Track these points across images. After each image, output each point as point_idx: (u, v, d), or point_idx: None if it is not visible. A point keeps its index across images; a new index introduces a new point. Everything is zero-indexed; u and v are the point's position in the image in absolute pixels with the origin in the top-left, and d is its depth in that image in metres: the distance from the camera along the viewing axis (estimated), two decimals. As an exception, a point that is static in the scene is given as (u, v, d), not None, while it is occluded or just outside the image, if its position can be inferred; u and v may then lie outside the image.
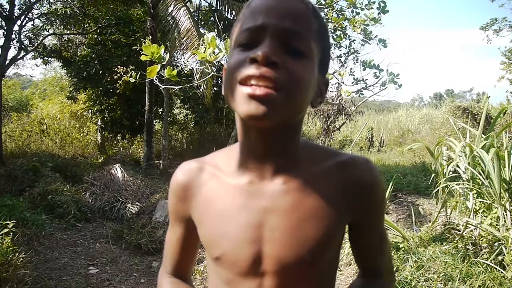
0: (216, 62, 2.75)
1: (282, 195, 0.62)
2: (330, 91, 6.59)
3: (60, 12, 8.54)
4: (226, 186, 0.65)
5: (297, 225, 0.61)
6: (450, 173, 3.44)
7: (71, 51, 10.13)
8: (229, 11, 7.21)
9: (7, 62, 7.36)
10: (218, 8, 7.59)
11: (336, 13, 4.38)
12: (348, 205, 0.63)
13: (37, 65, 19.26)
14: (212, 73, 3.20)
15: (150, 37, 3.94)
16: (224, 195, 0.65)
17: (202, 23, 9.01)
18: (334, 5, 4.28)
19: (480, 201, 3.18)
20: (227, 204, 0.64)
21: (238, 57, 0.56)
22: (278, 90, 0.52)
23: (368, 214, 0.66)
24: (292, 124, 0.61)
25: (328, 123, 9.52)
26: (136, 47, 3.65)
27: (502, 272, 2.48)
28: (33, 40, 9.13)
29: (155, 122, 9.44)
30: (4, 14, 7.19)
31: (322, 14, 4.93)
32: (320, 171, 0.64)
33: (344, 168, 0.64)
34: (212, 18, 8.78)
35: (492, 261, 2.58)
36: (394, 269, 2.63)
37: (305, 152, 0.65)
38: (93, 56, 8.69)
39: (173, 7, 6.50)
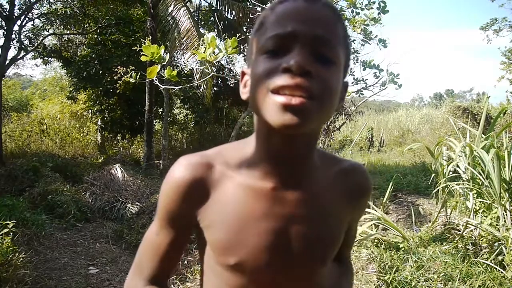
0: (216, 62, 2.75)
1: (305, 202, 0.63)
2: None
3: (60, 12, 8.54)
4: (247, 189, 0.62)
5: (317, 232, 0.63)
6: (450, 173, 3.44)
7: (71, 51, 10.13)
8: (229, 11, 7.21)
9: (7, 62, 7.36)
10: (218, 8, 7.59)
11: (336, 13, 4.37)
12: (349, 208, 0.69)
13: (37, 65, 19.28)
14: (212, 73, 3.20)
15: (150, 37, 3.94)
16: (243, 199, 0.61)
17: (202, 23, 9.02)
18: (334, 5, 4.28)
19: (480, 201, 3.18)
20: (247, 209, 0.61)
21: (267, 65, 0.54)
22: (311, 99, 0.52)
23: (359, 214, 0.77)
24: (315, 131, 0.62)
25: (328, 123, 9.52)
26: (136, 47, 3.65)
27: (502, 272, 2.48)
28: (33, 40, 9.14)
29: (155, 122, 9.44)
30: (4, 14, 7.19)
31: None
32: (331, 178, 0.67)
33: (347, 174, 0.69)
34: (212, 18, 8.79)
35: (492, 261, 2.58)
36: (394, 269, 2.64)
37: (318, 158, 0.67)
38: (93, 56, 8.69)
39: (173, 7, 6.50)
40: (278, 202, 0.61)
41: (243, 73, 0.63)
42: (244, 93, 0.62)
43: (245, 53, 8.63)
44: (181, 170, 0.64)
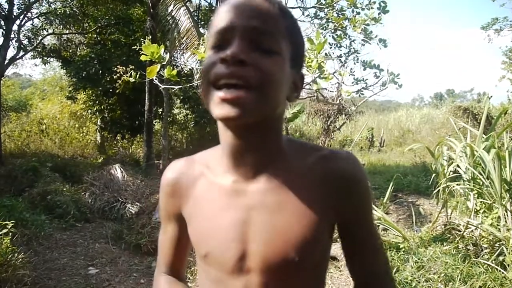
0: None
1: (266, 193, 0.63)
2: (330, 91, 6.59)
3: (59, 11, 8.53)
4: (213, 185, 0.67)
5: (281, 222, 0.61)
6: (451, 173, 3.44)
7: (70, 50, 10.13)
8: (229, 11, 7.20)
9: (6, 61, 7.35)
10: (218, 8, 7.58)
11: (336, 13, 4.37)
12: (332, 201, 0.62)
13: (36, 65, 19.24)
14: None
15: (150, 37, 3.93)
16: (211, 195, 0.66)
17: (202, 23, 9.00)
18: (335, 5, 4.27)
19: (480, 202, 3.17)
20: (213, 203, 0.66)
21: (210, 58, 0.58)
22: (249, 89, 0.54)
23: (354, 210, 0.65)
24: (269, 121, 0.61)
25: (328, 123, 9.52)
26: (136, 47, 3.64)
27: (503, 273, 2.47)
28: (32, 40, 9.13)
29: (155, 122, 9.43)
30: (3, 13, 7.18)
31: (322, 14, 4.92)
32: (303, 167, 0.64)
33: (325, 162, 0.64)
34: (212, 18, 8.77)
35: (493, 261, 2.57)
36: (395, 269, 2.64)
37: (288, 149, 0.66)
38: (93, 56, 8.68)
39: (173, 7, 6.49)
40: (238, 194, 0.64)
41: None
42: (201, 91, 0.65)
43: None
44: (168, 172, 0.73)
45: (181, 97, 10.05)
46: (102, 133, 9.63)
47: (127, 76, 3.37)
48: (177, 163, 0.73)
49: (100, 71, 8.29)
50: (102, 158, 7.92)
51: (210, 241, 0.65)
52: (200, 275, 0.71)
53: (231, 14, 0.57)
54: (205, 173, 0.69)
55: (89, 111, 9.42)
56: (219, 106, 0.55)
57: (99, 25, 9.06)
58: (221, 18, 0.58)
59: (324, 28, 4.66)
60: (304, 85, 0.71)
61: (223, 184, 0.65)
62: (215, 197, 0.66)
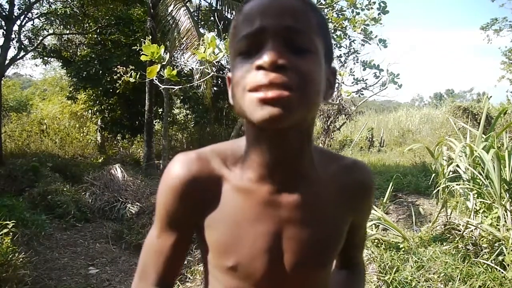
0: (216, 62, 2.75)
1: (299, 203, 0.61)
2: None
3: (59, 12, 8.54)
4: (244, 192, 0.61)
5: (314, 234, 0.62)
6: (451, 173, 3.44)
7: (71, 51, 10.13)
8: (229, 11, 7.21)
9: (7, 62, 7.36)
10: (218, 8, 7.59)
11: (336, 13, 4.37)
12: (350, 207, 0.66)
13: (36, 65, 19.28)
14: (212, 73, 3.19)
15: (150, 37, 3.93)
16: (240, 202, 0.61)
17: (202, 23, 9.01)
18: (334, 5, 4.28)
19: (480, 201, 3.18)
20: (244, 212, 0.60)
21: (242, 65, 0.54)
22: (290, 91, 0.50)
23: (363, 214, 0.72)
24: (305, 125, 0.58)
25: (328, 123, 9.52)
26: (136, 47, 3.64)
27: (502, 273, 2.47)
28: (32, 40, 9.14)
29: (155, 122, 9.43)
30: (4, 14, 7.19)
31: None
32: (328, 176, 0.65)
33: (348, 172, 0.67)
34: (212, 18, 8.78)
35: (493, 261, 2.58)
36: (394, 269, 2.64)
37: (315, 156, 0.64)
38: (93, 56, 8.69)
39: (173, 7, 6.49)
40: (273, 205, 0.60)
41: (229, 79, 0.61)
42: (230, 98, 0.61)
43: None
44: (178, 168, 0.62)
45: (181, 97, 10.06)
46: (103, 133, 9.64)
47: (127, 76, 3.37)
48: (187, 159, 0.62)
49: (101, 71, 8.29)
50: (102, 158, 7.93)
51: (240, 251, 0.60)
52: (212, 282, 0.66)
53: (259, 14, 0.53)
54: (225, 175, 0.62)
55: (90, 111, 9.43)
56: (259, 108, 0.50)
57: (100, 25, 9.07)
58: (247, 20, 0.54)
59: (324, 28, 4.66)
60: None
61: (256, 193, 0.60)
62: (246, 205, 0.61)
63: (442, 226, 3.36)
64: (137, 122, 9.20)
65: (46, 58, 9.99)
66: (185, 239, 0.65)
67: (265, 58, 0.50)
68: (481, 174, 3.06)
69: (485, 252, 2.74)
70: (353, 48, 5.27)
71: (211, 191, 0.61)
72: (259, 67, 0.51)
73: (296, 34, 0.53)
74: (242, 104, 0.54)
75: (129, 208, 5.01)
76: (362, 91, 5.00)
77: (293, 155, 0.59)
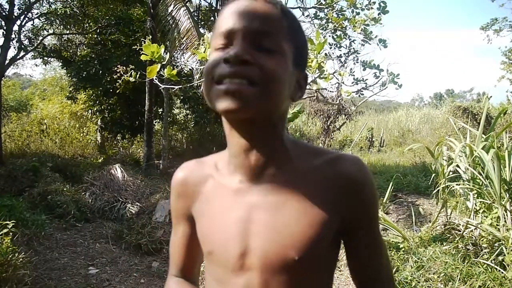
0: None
1: (269, 192, 0.64)
2: (330, 91, 6.59)
3: (59, 12, 8.53)
4: (221, 186, 0.68)
5: (282, 221, 0.62)
6: (451, 173, 3.44)
7: (71, 51, 10.12)
8: (229, 11, 7.20)
9: (7, 62, 7.35)
10: (218, 8, 7.58)
11: (336, 13, 4.38)
12: (337, 203, 0.62)
13: (36, 65, 19.28)
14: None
15: (150, 37, 3.94)
16: (219, 194, 0.68)
17: (202, 23, 9.01)
18: (334, 5, 4.28)
19: (480, 201, 3.18)
20: (220, 203, 0.67)
21: (213, 59, 0.59)
22: (252, 85, 0.55)
23: (358, 213, 0.64)
24: (272, 119, 0.63)
25: (328, 123, 9.53)
26: (136, 47, 3.64)
27: (502, 273, 2.47)
28: (32, 40, 9.13)
29: (155, 122, 9.43)
30: (4, 14, 7.18)
31: (322, 14, 4.93)
32: (308, 169, 0.64)
33: (331, 164, 0.64)
34: (212, 18, 8.78)
35: (493, 261, 2.58)
36: (394, 269, 2.64)
37: (294, 150, 0.66)
38: (93, 56, 8.68)
39: (173, 7, 6.49)
40: (242, 193, 0.65)
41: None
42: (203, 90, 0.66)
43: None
44: (178, 173, 0.75)
45: (181, 97, 10.05)
46: (103, 133, 9.63)
47: (127, 76, 3.37)
48: (187, 164, 0.75)
49: (101, 71, 8.29)
50: (102, 158, 7.92)
51: (214, 239, 0.66)
52: (206, 273, 0.72)
53: (233, 16, 0.59)
54: (213, 174, 0.70)
55: (90, 111, 9.42)
56: (221, 99, 0.56)
57: (100, 25, 9.06)
58: (224, 20, 0.60)
59: (324, 29, 4.67)
60: None
61: (229, 185, 0.67)
62: (222, 196, 0.68)
63: (442, 226, 3.36)
64: (137, 122, 9.19)
65: (46, 58, 9.98)
66: (191, 232, 0.74)
67: (231, 52, 0.56)
68: (481, 174, 3.06)
69: (485, 252, 2.74)
70: (353, 48, 5.27)
71: (200, 189, 0.71)
72: (226, 60, 0.56)
73: (263, 36, 0.58)
74: (209, 94, 0.59)
75: (129, 208, 5.01)
76: (362, 91, 5.00)
77: (260, 146, 0.63)
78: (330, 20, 4.33)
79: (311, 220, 0.61)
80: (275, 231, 0.61)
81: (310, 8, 4.83)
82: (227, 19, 0.60)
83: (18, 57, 8.30)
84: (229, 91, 0.55)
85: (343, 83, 4.57)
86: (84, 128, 10.05)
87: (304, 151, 0.67)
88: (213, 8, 8.18)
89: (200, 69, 4.62)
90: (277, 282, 0.62)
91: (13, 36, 7.56)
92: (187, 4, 7.11)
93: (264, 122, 0.62)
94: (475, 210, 3.16)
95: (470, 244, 2.89)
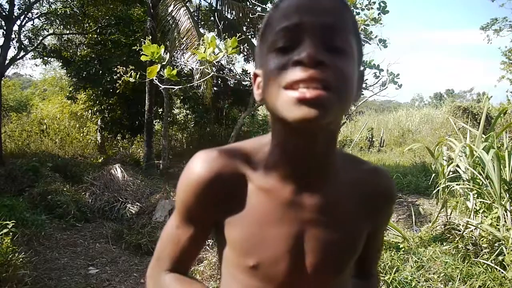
0: (216, 62, 2.75)
1: (323, 207, 0.61)
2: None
3: (59, 12, 8.53)
4: (265, 191, 0.61)
5: (334, 237, 0.62)
6: (451, 173, 3.44)
7: (71, 51, 10.12)
8: (229, 11, 7.21)
9: (7, 62, 7.36)
10: (218, 8, 7.59)
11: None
12: (370, 214, 0.65)
13: (36, 65, 19.29)
14: (212, 73, 3.19)
15: (150, 37, 3.93)
16: (263, 202, 0.60)
17: (202, 23, 9.02)
18: None
19: (480, 201, 3.18)
20: (266, 212, 0.60)
21: (277, 61, 0.52)
22: (328, 90, 0.50)
23: (382, 222, 0.70)
24: (334, 126, 0.58)
25: (328, 123, 9.50)
26: (136, 47, 3.64)
27: (502, 273, 2.48)
28: (32, 40, 9.13)
29: (155, 122, 9.43)
30: (4, 14, 7.18)
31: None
32: (350, 181, 0.64)
33: (371, 178, 0.66)
34: (212, 18, 8.78)
35: (493, 261, 2.58)
36: (394, 269, 2.64)
37: (339, 158, 0.64)
38: (93, 56, 8.68)
39: (173, 7, 6.49)
40: (296, 206, 0.60)
41: (255, 75, 0.61)
42: (258, 95, 0.60)
43: (245, 53, 8.65)
44: (199, 166, 0.61)
45: (181, 97, 10.05)
46: (103, 133, 9.63)
47: (127, 76, 3.37)
48: (209, 156, 0.62)
49: (101, 71, 8.29)
50: (102, 158, 7.92)
51: (263, 251, 0.59)
52: (229, 284, 0.65)
53: (297, 10, 0.52)
54: (248, 174, 0.61)
55: (90, 111, 9.42)
56: (295, 107, 0.49)
57: (100, 25, 9.07)
58: (284, 16, 0.53)
59: (324, 28, 4.66)
60: None
61: (280, 193, 0.60)
62: (269, 206, 0.60)
63: (442, 226, 3.36)
64: (137, 122, 9.19)
65: (46, 58, 9.98)
66: (203, 235, 0.66)
67: (305, 54, 0.49)
68: (481, 174, 3.06)
69: (485, 252, 2.74)
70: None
71: (233, 190, 0.61)
72: (298, 63, 0.50)
73: (334, 33, 0.52)
74: (276, 101, 0.53)
75: (129, 208, 5.01)
76: (362, 91, 5.00)
77: (320, 155, 0.58)
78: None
79: (357, 236, 0.64)
80: (329, 249, 0.61)
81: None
82: (290, 13, 0.52)
83: (18, 57, 8.31)
84: (306, 98, 0.49)
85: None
86: (84, 128, 10.05)
87: (345, 160, 0.65)
88: (213, 8, 8.18)
89: (200, 69, 4.61)
90: None
91: (13, 36, 7.56)
92: (187, 4, 7.11)
93: (330, 130, 0.57)
94: (475, 210, 3.16)
95: (470, 244, 2.89)
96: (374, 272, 0.78)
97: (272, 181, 0.60)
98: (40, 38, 9.17)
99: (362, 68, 0.62)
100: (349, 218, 0.63)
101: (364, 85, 4.92)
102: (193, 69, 6.49)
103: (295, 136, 0.56)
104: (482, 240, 2.86)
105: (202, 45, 2.70)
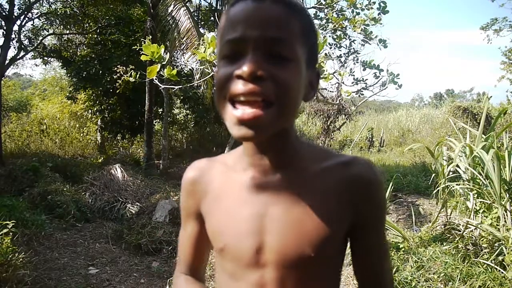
0: (216, 62, 2.75)
1: (284, 189, 0.64)
2: (330, 91, 6.59)
3: (59, 12, 8.53)
4: (232, 181, 0.68)
5: (297, 218, 0.62)
6: (450, 173, 3.44)
7: (71, 51, 10.12)
8: (229, 11, 7.20)
9: (7, 62, 7.36)
10: (218, 8, 7.58)
11: (336, 13, 4.38)
12: (349, 203, 0.63)
13: (36, 65, 19.29)
14: (212, 73, 3.20)
15: (150, 37, 3.94)
16: (230, 190, 0.68)
17: (202, 23, 9.01)
18: (334, 5, 4.28)
19: (480, 201, 3.18)
20: (232, 198, 0.67)
21: (224, 70, 0.56)
22: (267, 106, 0.53)
23: (368, 213, 0.65)
24: (280, 129, 0.61)
25: (328, 123, 9.52)
26: (136, 47, 3.65)
27: (502, 273, 2.47)
28: (32, 40, 9.13)
29: (155, 122, 9.43)
30: (4, 14, 7.18)
31: (322, 14, 4.93)
32: (321, 169, 0.65)
33: (345, 166, 0.65)
34: (212, 18, 8.78)
35: (493, 261, 2.58)
36: (394, 269, 2.64)
37: (308, 151, 0.67)
38: (93, 56, 8.68)
39: (173, 7, 6.49)
40: (256, 189, 0.65)
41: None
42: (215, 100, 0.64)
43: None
44: (189, 171, 0.75)
45: (181, 97, 10.05)
46: (103, 133, 9.63)
47: (127, 76, 3.37)
48: (198, 163, 0.75)
49: (101, 71, 8.29)
50: (102, 158, 7.92)
51: (227, 234, 0.66)
52: (217, 269, 0.72)
53: (242, 22, 0.54)
54: (224, 171, 0.70)
55: (90, 111, 9.42)
56: (236, 127, 0.55)
57: (100, 25, 9.07)
58: (231, 26, 0.56)
59: (324, 29, 4.67)
60: None
61: (242, 180, 0.66)
62: (233, 192, 0.67)
63: (442, 226, 3.36)
64: (137, 122, 9.19)
65: (46, 58, 9.98)
66: (200, 229, 0.74)
67: (244, 68, 0.52)
68: (481, 174, 3.06)
69: (485, 252, 2.74)
70: (353, 48, 5.27)
71: (210, 187, 0.71)
72: (239, 77, 0.53)
73: (277, 44, 0.54)
74: (223, 113, 0.58)
75: (129, 208, 5.02)
76: (362, 91, 5.01)
77: (274, 149, 0.64)
78: (330, 20, 4.33)
79: (326, 219, 0.62)
80: (291, 228, 0.62)
81: (310, 8, 4.83)
82: (236, 24, 0.55)
83: (18, 57, 8.31)
84: (244, 119, 0.53)
85: (343, 83, 4.58)
86: (84, 128, 10.05)
87: (319, 153, 0.68)
88: (213, 8, 8.18)
89: (200, 69, 4.62)
90: (292, 278, 0.63)
91: (13, 36, 7.56)
92: (187, 4, 7.11)
93: (278, 133, 0.60)
94: (475, 210, 3.16)
95: (470, 244, 2.89)
96: (386, 283, 0.70)
97: (238, 170, 0.68)
98: (40, 38, 9.17)
99: (316, 68, 0.65)
100: (319, 204, 0.63)
101: (364, 85, 4.95)
102: (193, 69, 6.49)
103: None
104: (482, 240, 2.86)
105: (202, 45, 2.71)
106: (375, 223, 0.67)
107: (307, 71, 0.60)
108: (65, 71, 10.39)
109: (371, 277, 0.69)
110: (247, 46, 0.54)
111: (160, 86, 3.50)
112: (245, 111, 0.53)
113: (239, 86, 0.53)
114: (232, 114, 0.55)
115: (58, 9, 8.61)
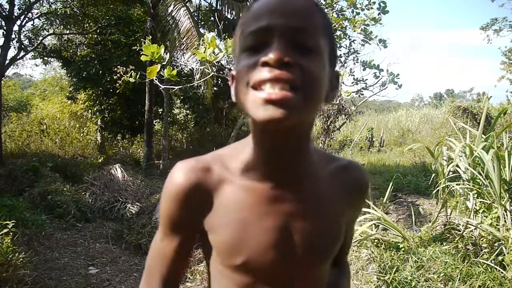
0: (216, 62, 2.75)
1: (304, 199, 0.64)
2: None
3: (60, 12, 8.54)
4: (246, 191, 0.62)
5: (318, 227, 0.64)
6: (450, 173, 3.44)
7: (71, 51, 10.13)
8: (229, 11, 7.21)
9: (7, 62, 7.36)
10: (218, 8, 7.59)
11: (336, 13, 4.37)
12: (348, 204, 0.69)
13: (36, 65, 19.36)
14: (212, 73, 3.20)
15: (150, 37, 3.94)
16: (245, 201, 0.62)
17: (202, 23, 9.02)
18: (334, 5, 4.28)
19: (480, 201, 3.18)
20: (249, 210, 0.62)
21: (247, 61, 0.54)
22: (294, 90, 0.51)
23: (357, 211, 0.76)
24: (305, 126, 0.60)
25: (328, 123, 9.51)
26: (136, 47, 3.65)
27: (502, 272, 2.48)
28: (32, 40, 9.14)
29: (155, 122, 9.44)
30: (4, 14, 7.19)
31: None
32: (327, 174, 0.67)
33: (345, 170, 0.70)
34: (212, 18, 8.79)
35: (492, 261, 2.58)
36: (394, 269, 2.64)
37: (315, 155, 0.67)
38: (93, 56, 8.69)
39: (173, 7, 6.50)
40: (278, 201, 0.62)
41: (232, 77, 0.61)
42: (234, 95, 0.61)
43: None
44: (179, 176, 0.63)
45: (181, 97, 10.06)
46: (103, 133, 9.64)
47: (127, 76, 3.38)
48: (188, 166, 0.64)
49: (101, 71, 8.29)
50: (102, 158, 7.92)
51: (249, 248, 0.61)
52: (219, 281, 0.66)
53: (267, 13, 0.54)
54: (228, 177, 0.63)
55: (90, 111, 9.43)
56: (262, 108, 0.51)
57: (100, 25, 9.07)
58: (255, 18, 0.55)
59: (324, 28, 4.66)
60: None
61: (261, 190, 0.62)
62: (252, 203, 0.62)
63: (442, 226, 3.36)
64: (137, 122, 9.20)
65: (46, 58, 9.99)
66: (188, 243, 0.67)
67: (271, 55, 0.51)
68: (481, 174, 3.06)
69: (485, 252, 2.74)
70: (353, 48, 5.27)
71: (212, 195, 0.63)
72: (265, 64, 0.51)
73: (303, 34, 0.54)
74: (245, 101, 0.54)
75: (129, 208, 5.02)
76: (362, 91, 5.00)
77: (294, 153, 0.61)
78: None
79: (339, 226, 0.67)
80: (314, 240, 0.63)
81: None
82: (260, 16, 0.54)
83: (18, 57, 8.32)
84: (272, 99, 0.50)
85: (343, 83, 4.57)
86: (84, 128, 10.06)
87: (321, 156, 0.69)
88: (213, 8, 8.18)
89: (200, 69, 4.62)
90: (310, 280, 0.66)
91: (13, 36, 7.57)
92: (187, 4, 7.11)
93: (299, 129, 0.59)
94: (475, 210, 3.16)
95: (470, 244, 2.89)
96: (346, 260, 0.84)
97: (253, 180, 0.63)
98: (40, 38, 9.18)
99: (336, 68, 0.63)
100: (330, 209, 0.66)
101: (364, 85, 4.93)
102: (193, 69, 6.50)
103: (267, 136, 0.58)
104: (482, 240, 2.86)
105: (202, 45, 2.71)
106: (356, 219, 0.81)
107: (329, 68, 0.59)
108: (65, 71, 10.40)
109: (338, 260, 0.79)
110: (272, 35, 0.53)
111: (160, 86, 3.50)
112: (273, 92, 0.51)
113: (264, 73, 0.51)
114: (257, 96, 0.52)
115: (58, 9, 8.62)
